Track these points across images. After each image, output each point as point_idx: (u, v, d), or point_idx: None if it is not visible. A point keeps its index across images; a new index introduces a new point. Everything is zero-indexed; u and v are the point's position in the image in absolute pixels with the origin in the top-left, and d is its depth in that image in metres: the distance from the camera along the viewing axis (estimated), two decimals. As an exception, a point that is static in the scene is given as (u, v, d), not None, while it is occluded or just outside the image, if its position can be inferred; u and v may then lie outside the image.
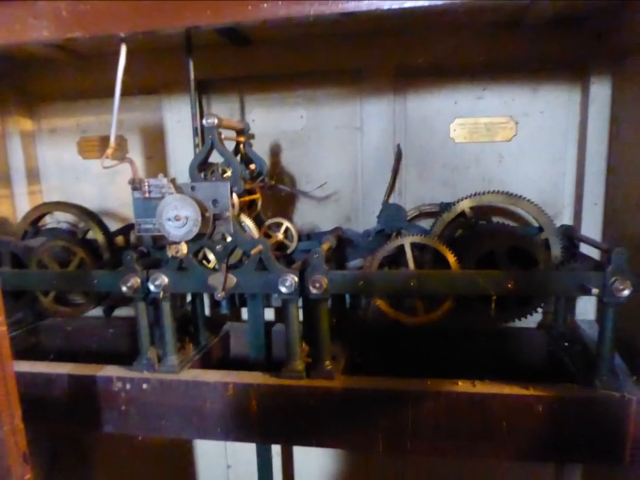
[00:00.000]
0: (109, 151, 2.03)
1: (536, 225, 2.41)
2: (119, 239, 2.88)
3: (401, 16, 2.20)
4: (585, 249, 2.42)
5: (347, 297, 2.59)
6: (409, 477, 3.20)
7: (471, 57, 2.59)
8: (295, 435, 2.16)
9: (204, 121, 2.08)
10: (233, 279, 2.10)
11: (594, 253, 2.38)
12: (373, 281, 2.09)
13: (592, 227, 2.60)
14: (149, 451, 3.33)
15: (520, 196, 2.34)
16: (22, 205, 3.21)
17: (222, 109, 2.97)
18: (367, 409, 2.02)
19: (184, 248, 2.08)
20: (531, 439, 1.94)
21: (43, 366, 2.34)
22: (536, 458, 2.05)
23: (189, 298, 2.65)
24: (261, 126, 2.86)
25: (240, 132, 2.47)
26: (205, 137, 2.11)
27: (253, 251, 2.07)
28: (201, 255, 2.27)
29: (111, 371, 2.25)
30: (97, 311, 2.84)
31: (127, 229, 2.90)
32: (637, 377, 1.99)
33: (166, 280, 2.14)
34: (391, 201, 2.79)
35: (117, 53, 1.96)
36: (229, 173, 2.16)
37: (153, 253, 2.49)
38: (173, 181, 2.06)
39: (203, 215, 2.01)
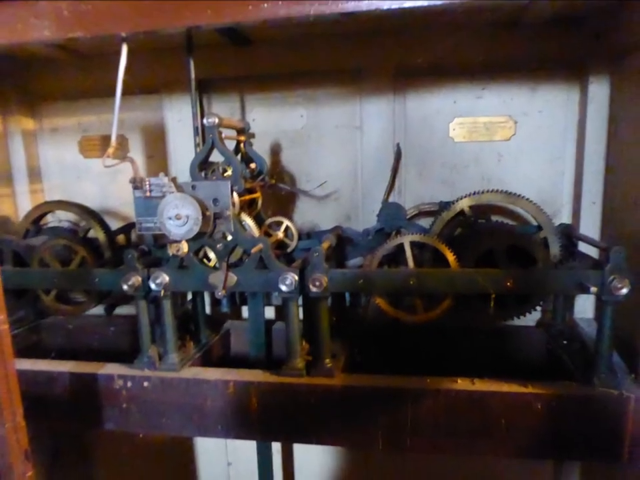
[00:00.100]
0: (110, 150, 2.04)
1: (535, 223, 2.41)
2: (120, 238, 2.89)
3: (400, 16, 2.21)
4: (583, 247, 2.42)
5: (347, 295, 2.60)
6: (408, 474, 3.20)
7: (470, 56, 2.59)
8: (295, 432, 2.16)
9: (204, 120, 2.08)
10: (233, 278, 2.11)
11: (592, 252, 2.38)
12: (372, 280, 2.09)
13: (590, 225, 2.61)
14: (149, 449, 3.34)
15: (519, 195, 2.35)
16: (24, 204, 3.22)
17: (222, 109, 2.97)
18: (367, 407, 2.03)
19: (185, 246, 2.09)
20: (529, 437, 1.95)
21: (44, 364, 2.35)
22: (535, 455, 2.06)
23: (189, 296, 2.66)
24: (261, 125, 2.87)
25: (240, 131, 2.48)
26: (206, 136, 2.12)
27: (254, 250, 2.08)
28: (201, 254, 2.29)
29: (112, 369, 2.26)
30: (98, 309, 2.84)
31: (128, 228, 2.91)
32: (635, 374, 2.00)
33: (167, 278, 2.14)
34: (391, 199, 2.81)
35: (118, 53, 1.97)
36: (229, 172, 2.16)
37: (154, 251, 2.49)
38: (173, 179, 2.07)
39: (203, 214, 2.01)
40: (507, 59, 2.60)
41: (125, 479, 3.59)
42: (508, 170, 2.74)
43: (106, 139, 3.11)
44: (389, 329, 2.50)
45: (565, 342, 2.39)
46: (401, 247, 2.26)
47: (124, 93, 2.00)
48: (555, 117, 2.66)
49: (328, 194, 2.95)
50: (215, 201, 2.08)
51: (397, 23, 2.52)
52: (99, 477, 3.63)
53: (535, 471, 3.08)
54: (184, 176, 2.19)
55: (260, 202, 2.57)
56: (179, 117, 2.97)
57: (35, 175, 3.28)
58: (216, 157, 2.15)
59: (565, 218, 2.73)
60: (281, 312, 2.78)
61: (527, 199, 2.34)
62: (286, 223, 2.58)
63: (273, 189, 2.71)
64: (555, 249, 2.33)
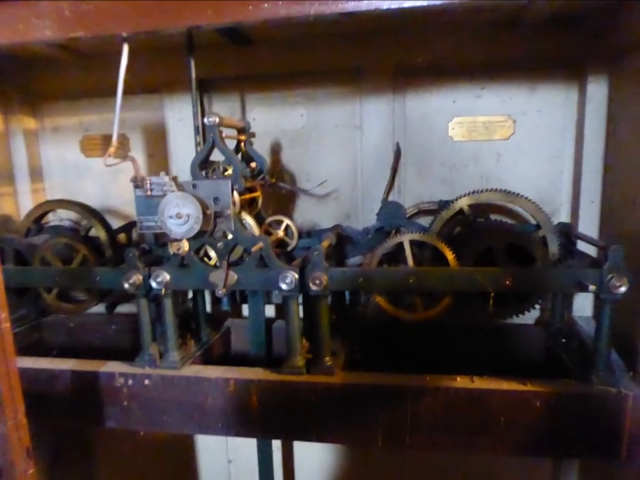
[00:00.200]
0: (112, 150, 2.05)
1: (534, 222, 2.42)
2: (121, 237, 2.89)
3: (400, 16, 2.21)
4: (582, 246, 2.43)
5: (347, 293, 2.61)
6: (407, 471, 3.21)
7: (469, 56, 2.60)
8: (295, 430, 2.17)
9: (205, 120, 2.09)
10: (233, 276, 2.12)
11: (591, 250, 2.38)
12: (372, 278, 2.10)
13: (589, 224, 2.61)
14: (150, 446, 3.34)
15: (518, 194, 2.36)
16: (25, 203, 3.23)
17: (223, 108, 2.98)
18: (367, 405, 2.04)
19: (185, 245, 2.10)
20: (528, 434, 1.96)
21: (46, 362, 2.35)
22: (533, 453, 2.06)
23: (190, 295, 2.66)
24: (261, 124, 2.87)
25: (241, 130, 2.48)
26: (206, 136, 2.12)
27: (254, 248, 2.08)
28: (202, 252, 2.29)
29: (113, 366, 2.27)
30: (99, 308, 2.85)
31: (129, 227, 2.92)
32: (634, 372, 2.01)
33: (167, 277, 2.15)
34: (390, 198, 2.81)
35: (119, 53, 1.98)
36: (230, 171, 2.17)
37: (155, 250, 2.50)
38: (174, 179, 2.08)
39: (204, 213, 2.02)
40: (506, 58, 2.61)
41: (126, 477, 3.60)
42: (507, 169, 2.75)
43: (107, 138, 3.11)
44: (388, 327, 2.51)
45: (563, 340, 2.40)
46: (400, 246, 2.26)
47: (125, 93, 2.01)
48: (554, 117, 2.67)
49: (328, 193, 2.96)
50: (216, 199, 2.09)
51: (397, 22, 2.53)
52: (101, 475, 3.64)
53: (534, 468, 3.09)
54: (185, 175, 2.20)
55: (260, 201, 2.58)
56: (179, 116, 2.98)
57: (36, 174, 3.28)
58: (216, 156, 2.16)
59: (564, 217, 2.74)
60: (281, 310, 2.78)
61: (526, 198, 2.35)
62: (286, 221, 2.59)
63: (273, 187, 2.73)
64: (553, 247, 2.34)
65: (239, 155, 2.47)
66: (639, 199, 2.15)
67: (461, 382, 2.00)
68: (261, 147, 2.69)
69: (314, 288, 2.03)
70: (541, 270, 2.12)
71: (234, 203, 2.12)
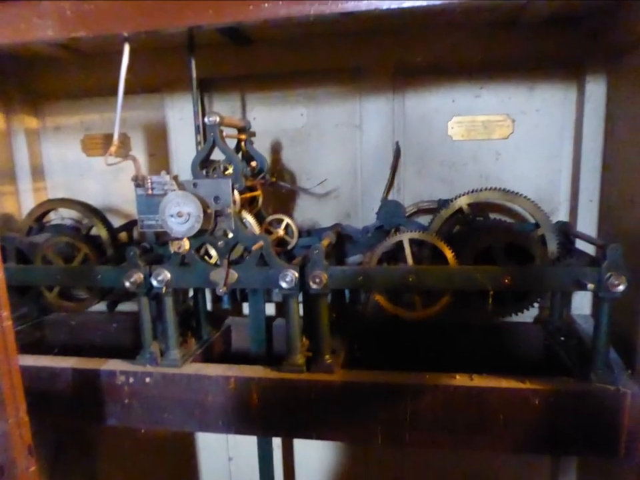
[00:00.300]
0: (113, 149, 2.06)
1: (532, 221, 2.42)
2: (122, 235, 2.90)
3: (399, 15, 2.23)
4: (580, 244, 2.43)
5: (347, 292, 2.62)
6: (407, 469, 3.22)
7: (468, 55, 2.60)
8: (295, 427, 2.18)
9: (206, 119, 2.09)
10: (234, 275, 2.13)
11: (589, 249, 2.39)
12: (372, 277, 2.11)
13: (587, 223, 2.62)
14: (151, 444, 3.36)
15: (516, 193, 2.36)
16: (27, 202, 3.24)
17: (223, 107, 2.98)
18: (366, 402, 2.05)
19: (186, 244, 2.11)
20: (527, 432, 1.97)
21: (47, 360, 2.37)
22: (532, 450, 2.08)
23: (191, 293, 2.67)
24: (261, 124, 2.88)
25: (241, 130, 2.49)
26: (207, 135, 2.12)
27: (254, 247, 2.09)
28: (202, 251, 2.30)
29: (114, 364, 2.28)
30: (100, 306, 2.86)
31: (130, 225, 2.93)
32: (632, 370, 2.02)
33: (168, 275, 2.16)
34: (390, 197, 2.83)
35: (120, 52, 1.99)
36: (230, 170, 2.17)
37: (156, 248, 2.51)
38: (175, 178, 2.09)
39: (204, 212, 2.03)
40: (505, 58, 2.62)
41: (127, 474, 3.61)
42: (506, 168, 2.76)
43: (108, 138, 3.12)
44: (388, 325, 2.52)
45: (562, 338, 2.41)
46: (400, 245, 2.27)
47: (126, 92, 2.02)
48: (553, 116, 2.68)
49: (328, 192, 2.97)
50: (216, 198, 2.09)
51: (396, 22, 2.53)
52: (102, 472, 3.65)
53: (533, 466, 3.09)
54: (185, 174, 2.20)
55: (260, 200, 2.58)
56: (180, 116, 2.99)
57: (38, 173, 3.29)
58: (217, 155, 2.17)
59: (562, 215, 2.75)
60: (282, 308, 2.78)
61: (525, 197, 2.35)
62: (286, 220, 2.59)
63: (273, 186, 2.73)
64: (552, 246, 2.35)
65: (240, 154, 2.48)
66: (637, 198, 2.16)
67: (460, 380, 2.01)
68: (262, 146, 2.70)
69: (314, 286, 2.04)
70: (540, 268, 2.13)
71: (234, 202, 2.13)
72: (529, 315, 2.48)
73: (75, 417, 2.39)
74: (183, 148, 2.98)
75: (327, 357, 2.13)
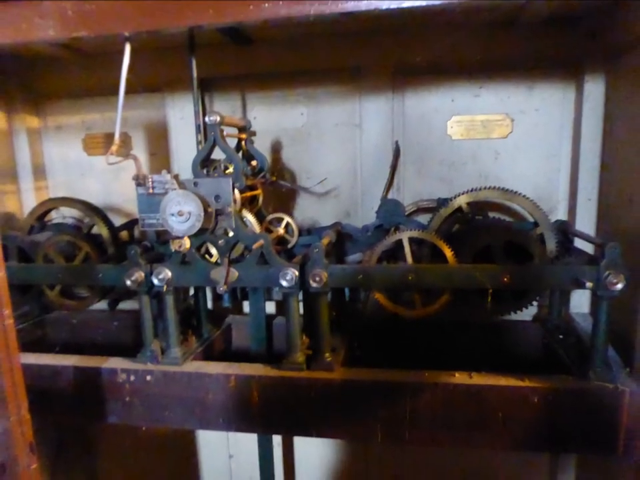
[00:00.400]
0: (114, 148, 2.06)
1: (531, 220, 2.43)
2: (123, 234, 2.91)
3: (399, 15, 2.23)
4: (579, 243, 2.44)
5: (347, 290, 2.63)
6: (407, 466, 3.23)
7: (467, 55, 2.61)
8: (295, 425, 2.19)
9: (206, 118, 2.10)
10: (234, 273, 2.13)
11: (588, 248, 2.39)
12: (371, 275, 2.12)
13: (586, 222, 2.63)
14: (152, 441, 3.38)
15: (515, 192, 2.37)
16: (28, 201, 3.25)
17: (224, 107, 2.99)
18: (366, 400, 2.06)
19: (187, 242, 2.11)
20: (526, 430, 1.98)
21: (49, 358, 2.38)
22: (531, 448, 2.09)
23: (191, 291, 2.68)
24: (262, 123, 2.89)
25: (242, 129, 2.50)
26: (208, 134, 2.13)
27: (255, 246, 2.10)
28: (203, 250, 2.32)
29: (115, 362, 2.29)
30: (101, 304, 2.88)
31: (131, 224, 2.94)
32: (630, 368, 2.03)
33: (169, 274, 2.17)
34: (390, 196, 2.83)
35: (122, 52, 1.99)
36: (230, 169, 2.18)
37: (157, 247, 2.52)
38: (176, 177, 2.09)
39: (205, 210, 2.04)
40: (504, 57, 2.63)
41: (128, 472, 3.62)
42: (505, 167, 2.76)
43: (109, 137, 3.14)
44: (387, 323, 2.53)
45: (561, 336, 2.42)
46: (399, 243, 2.28)
47: (127, 92, 2.03)
48: (551, 115, 2.68)
49: (328, 191, 2.98)
50: (217, 197, 2.10)
51: (396, 22, 2.54)
52: (103, 470, 3.66)
53: (532, 463, 3.10)
54: (186, 173, 2.21)
55: (261, 199, 2.59)
56: (181, 115, 3.00)
57: (39, 172, 3.30)
58: (218, 154, 2.17)
59: (561, 214, 2.75)
60: (282, 307, 2.81)
61: (524, 196, 2.36)
62: (286, 219, 2.60)
63: (273, 185, 2.74)
64: (551, 244, 2.35)
65: (240, 153, 2.49)
66: (635, 197, 2.17)
67: (460, 378, 2.02)
68: (262, 145, 2.70)
69: (314, 285, 2.05)
70: (539, 267, 2.14)
71: (235, 201, 2.13)
72: (527, 313, 2.50)
73: (76, 414, 2.41)
74: (184, 147, 2.99)
75: (327, 355, 2.14)
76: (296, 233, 2.61)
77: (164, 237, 2.46)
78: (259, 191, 2.55)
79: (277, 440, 3.29)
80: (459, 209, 2.46)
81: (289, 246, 2.61)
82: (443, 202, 2.51)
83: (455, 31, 2.51)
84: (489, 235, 2.27)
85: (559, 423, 1.95)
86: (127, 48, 2.00)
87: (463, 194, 2.43)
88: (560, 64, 2.62)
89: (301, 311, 2.26)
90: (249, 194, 2.42)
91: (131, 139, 3.20)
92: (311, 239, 2.59)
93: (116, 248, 2.73)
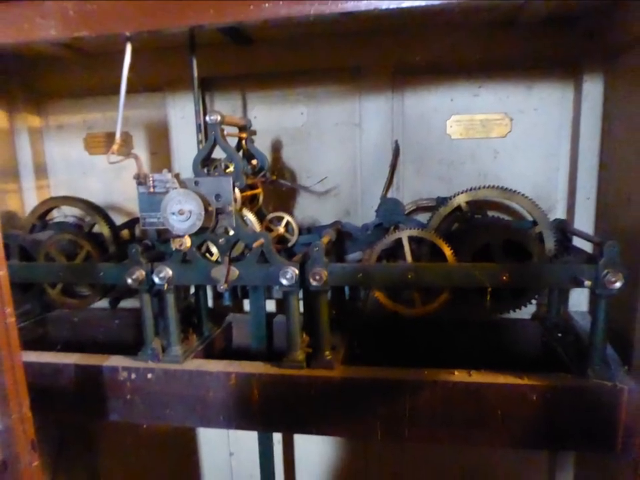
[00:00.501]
0: (115, 147, 2.07)
1: (530, 218, 2.44)
2: (125, 233, 2.92)
3: (399, 15, 2.24)
4: (577, 242, 2.45)
5: (347, 289, 2.63)
6: (406, 464, 3.24)
7: (467, 55, 2.62)
8: (295, 423, 2.20)
9: (207, 118, 2.11)
10: (235, 272, 2.14)
11: (587, 246, 2.40)
12: (371, 274, 2.13)
13: (585, 220, 2.64)
14: (153, 439, 3.39)
15: (514, 191, 2.38)
16: (30, 200, 3.26)
17: (224, 106, 3.00)
18: (366, 398, 2.07)
19: (187, 241, 2.12)
20: (525, 428, 1.99)
21: (50, 356, 2.39)
22: (530, 446, 2.09)
23: (192, 290, 2.69)
24: (262, 122, 2.90)
25: (242, 128, 2.50)
26: (208, 133, 2.14)
27: (255, 244, 2.11)
28: (204, 248, 2.32)
29: (116, 361, 2.30)
30: (102, 303, 2.88)
31: (132, 223, 2.95)
32: (629, 366, 2.03)
33: (170, 272, 2.18)
34: (389, 195, 2.84)
35: (123, 52, 2.00)
36: (231, 168, 2.19)
37: (158, 246, 2.53)
38: (176, 176, 2.10)
39: (206, 209, 2.05)
40: (503, 57, 2.63)
41: (129, 469, 3.63)
42: (504, 166, 2.77)
43: (110, 136, 3.14)
44: (387, 321, 2.53)
45: (559, 335, 2.43)
46: (399, 242, 2.28)
47: (128, 91, 2.04)
48: (550, 115, 2.69)
49: (328, 190, 2.99)
50: (217, 196, 2.11)
51: (396, 22, 2.55)
52: (104, 467, 3.67)
53: (530, 461, 3.11)
54: (187, 172, 2.22)
55: (261, 197, 2.60)
56: (181, 115, 3.01)
57: (41, 171, 3.31)
58: (218, 153, 2.18)
59: (560, 213, 2.76)
60: (282, 305, 2.81)
61: (523, 195, 2.37)
62: (287, 218, 2.61)
63: (273, 184, 2.74)
64: (549, 243, 2.36)
65: (240, 153, 2.49)
66: (634, 196, 2.17)
67: (459, 376, 2.03)
68: (262, 144, 2.71)
69: (314, 283, 2.05)
70: (538, 266, 2.15)
71: (235, 200, 2.14)
72: (526, 311, 2.50)
73: (78, 412, 2.41)
74: (185, 146, 3.00)
75: (327, 353, 2.15)
76: (296, 231, 2.62)
77: (165, 235, 2.47)
78: (259, 190, 2.56)
79: (277, 437, 3.30)
80: (458, 207, 2.46)
81: (289, 245, 2.62)
82: (442, 201, 2.52)
83: (454, 31, 2.53)
84: (488, 233, 2.27)
85: (558, 420, 1.96)
86: (128, 48, 2.00)
87: (462, 193, 2.44)
88: (559, 64, 2.63)
89: (301, 309, 2.27)
90: (249, 193, 2.42)
91: (132, 138, 3.21)
92: (311, 238, 2.60)
93: (117, 247, 2.74)
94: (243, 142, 2.51)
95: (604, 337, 1.96)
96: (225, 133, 2.19)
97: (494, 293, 2.15)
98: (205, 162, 2.20)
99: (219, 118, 2.10)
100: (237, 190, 2.16)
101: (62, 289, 2.68)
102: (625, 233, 2.25)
